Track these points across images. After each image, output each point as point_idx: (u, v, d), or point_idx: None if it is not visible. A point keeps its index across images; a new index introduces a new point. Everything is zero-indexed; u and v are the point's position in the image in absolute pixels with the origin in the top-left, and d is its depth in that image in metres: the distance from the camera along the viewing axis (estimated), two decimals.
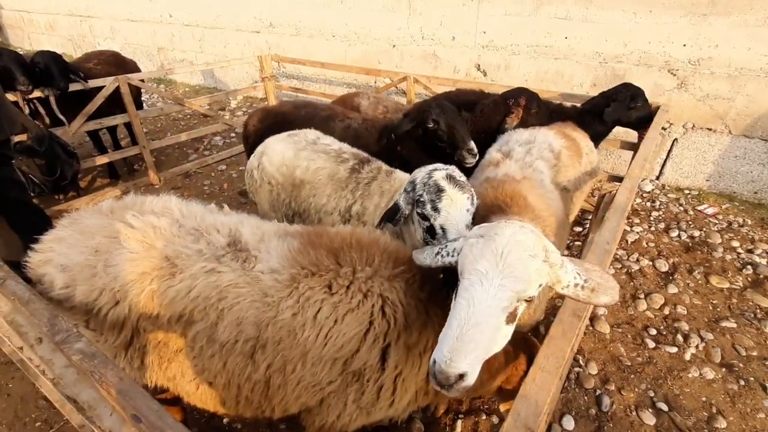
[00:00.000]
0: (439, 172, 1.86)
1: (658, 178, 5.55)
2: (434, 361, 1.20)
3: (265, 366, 1.50)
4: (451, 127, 2.83)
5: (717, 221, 4.70)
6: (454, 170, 1.89)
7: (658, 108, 3.86)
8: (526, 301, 1.32)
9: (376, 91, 6.38)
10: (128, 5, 11.20)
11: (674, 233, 4.51)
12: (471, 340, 1.17)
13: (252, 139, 3.70)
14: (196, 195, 5.60)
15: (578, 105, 4.04)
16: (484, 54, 6.19)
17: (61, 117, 4.76)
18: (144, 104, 8.85)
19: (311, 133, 2.91)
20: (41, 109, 4.70)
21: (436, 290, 1.60)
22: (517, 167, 2.37)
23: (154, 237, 1.61)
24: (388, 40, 7.03)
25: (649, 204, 5.14)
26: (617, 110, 3.63)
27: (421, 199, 1.82)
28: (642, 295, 3.68)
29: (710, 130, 4.96)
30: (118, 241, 1.60)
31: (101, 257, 1.58)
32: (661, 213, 4.92)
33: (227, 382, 1.56)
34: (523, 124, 3.44)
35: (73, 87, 4.74)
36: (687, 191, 5.31)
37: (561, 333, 1.42)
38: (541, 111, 3.64)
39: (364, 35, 7.26)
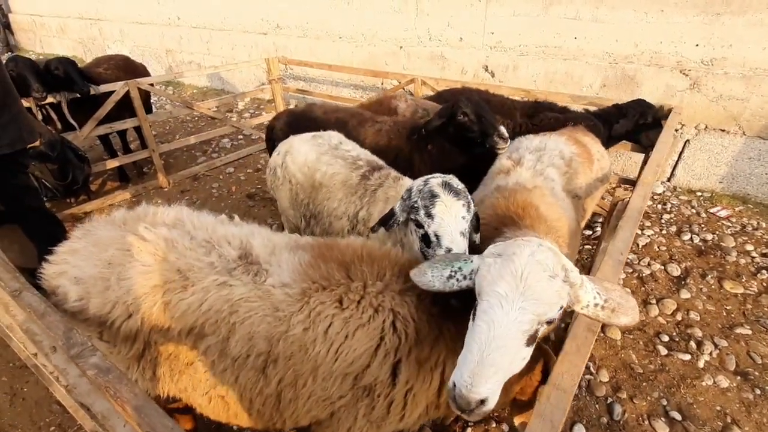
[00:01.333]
0: (436, 179, 1.84)
1: (669, 179, 5.47)
2: (454, 385, 1.19)
3: (277, 380, 1.50)
4: (479, 116, 2.84)
5: (730, 224, 4.63)
6: (452, 178, 1.87)
7: (670, 110, 3.80)
8: (547, 323, 1.30)
9: (383, 93, 6.38)
10: (137, 8, 11.30)
11: (686, 236, 4.44)
12: (492, 364, 1.16)
13: (279, 142, 3.68)
14: (205, 198, 5.64)
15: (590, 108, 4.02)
16: (492, 55, 6.15)
17: (73, 122, 4.82)
18: (153, 107, 8.93)
19: (335, 137, 2.93)
20: (53, 115, 4.76)
21: (448, 305, 1.59)
22: (528, 175, 2.34)
23: (167, 250, 1.62)
24: (395, 41, 7.01)
25: (660, 206, 5.07)
26: (624, 126, 3.67)
27: (416, 206, 1.80)
28: (653, 301, 3.64)
29: (723, 131, 4.88)
30: (131, 254, 1.61)
31: (114, 270, 1.59)
32: (672, 216, 4.86)
33: (239, 395, 1.56)
34: None
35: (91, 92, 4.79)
36: (699, 193, 5.23)
37: (576, 348, 1.41)
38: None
39: (371, 36, 7.25)
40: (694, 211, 4.92)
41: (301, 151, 2.78)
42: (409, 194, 1.86)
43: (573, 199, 2.60)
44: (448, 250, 1.66)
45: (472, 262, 1.41)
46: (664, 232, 4.58)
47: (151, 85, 5.44)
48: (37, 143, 4.12)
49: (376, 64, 7.34)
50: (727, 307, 3.56)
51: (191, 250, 1.64)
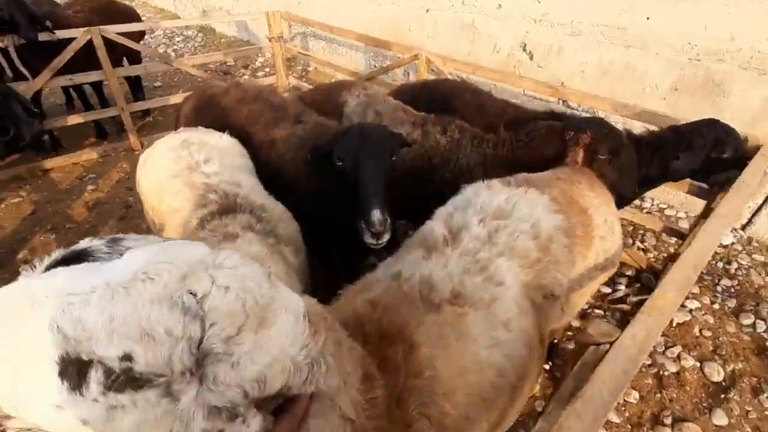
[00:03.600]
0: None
1: (744, 228, 4.06)
2: None
3: None
4: (358, 176, 1.83)
5: None
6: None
7: (758, 149, 2.50)
8: None
9: (378, 71, 5.28)
10: None
11: (747, 320, 3.19)
12: None
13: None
14: None
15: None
16: (533, 30, 4.80)
17: (24, 70, 4.29)
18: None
19: (204, 151, 2.08)
20: (2, 61, 4.25)
21: None
22: (456, 270, 1.35)
23: None
24: (421, 1, 5.77)
25: (721, 265, 3.75)
26: (690, 163, 2.42)
27: None
28: (668, 421, 2.56)
29: None
30: None
31: None
32: (735, 283, 3.55)
33: None
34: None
35: (42, 38, 4.21)
36: None
37: None
38: (623, 160, 2.21)
39: None
40: None
41: (156, 166, 2.00)
42: None
43: (543, 301, 1.58)
44: None
45: None
46: (716, 306, 3.34)
47: (121, 33, 4.74)
48: None
49: (398, 26, 6.17)
50: None
51: None
